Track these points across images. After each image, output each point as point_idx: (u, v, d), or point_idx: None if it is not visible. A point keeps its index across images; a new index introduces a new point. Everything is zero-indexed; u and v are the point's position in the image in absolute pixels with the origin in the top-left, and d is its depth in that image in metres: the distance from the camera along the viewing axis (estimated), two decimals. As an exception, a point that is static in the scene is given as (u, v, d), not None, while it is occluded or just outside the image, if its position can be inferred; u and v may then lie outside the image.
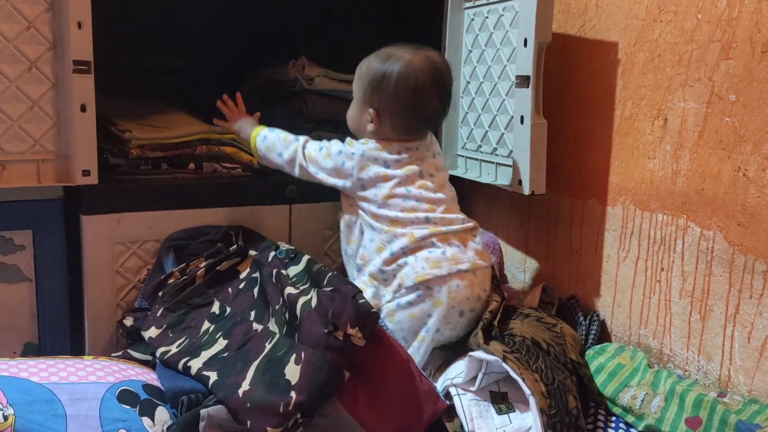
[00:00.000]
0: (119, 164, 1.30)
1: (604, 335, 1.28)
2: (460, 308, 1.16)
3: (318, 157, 1.25)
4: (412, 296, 1.15)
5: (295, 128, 1.51)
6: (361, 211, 1.23)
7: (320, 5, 1.70)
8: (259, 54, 1.71)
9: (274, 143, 1.29)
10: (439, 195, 1.22)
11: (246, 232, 1.34)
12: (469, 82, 1.44)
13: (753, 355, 1.02)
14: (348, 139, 1.26)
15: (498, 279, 1.24)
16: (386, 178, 1.20)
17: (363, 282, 1.22)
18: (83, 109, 1.17)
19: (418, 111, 1.22)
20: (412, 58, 1.21)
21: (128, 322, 1.23)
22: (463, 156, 1.49)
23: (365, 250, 1.22)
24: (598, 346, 1.20)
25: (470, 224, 1.23)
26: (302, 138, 1.29)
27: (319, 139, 1.49)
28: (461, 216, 1.23)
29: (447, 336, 1.18)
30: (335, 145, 1.25)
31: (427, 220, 1.19)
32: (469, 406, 1.02)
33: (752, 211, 1.02)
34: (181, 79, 1.72)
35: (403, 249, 1.17)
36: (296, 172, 1.28)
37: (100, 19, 1.17)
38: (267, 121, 1.42)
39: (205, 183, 1.36)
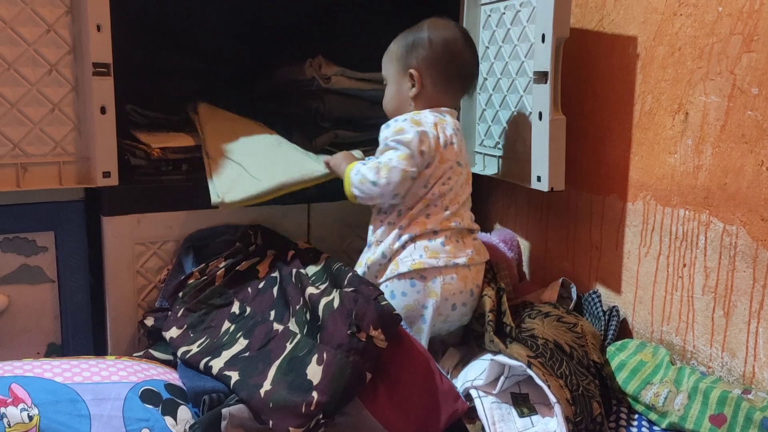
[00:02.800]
0: (140, 165, 1.31)
1: (625, 332, 1.27)
2: (453, 301, 1.16)
3: (403, 152, 1.15)
4: (406, 285, 1.15)
5: (312, 127, 1.52)
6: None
7: (337, 4, 1.70)
8: (275, 53, 1.72)
9: (364, 173, 1.17)
10: (465, 189, 1.23)
11: (264, 232, 1.34)
12: (486, 79, 1.44)
13: (778, 352, 1.01)
14: (409, 117, 1.19)
15: (494, 272, 1.24)
16: (443, 160, 1.18)
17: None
18: (103, 111, 1.18)
19: (455, 61, 1.23)
20: (434, 20, 1.26)
21: (149, 322, 1.24)
22: (481, 153, 1.48)
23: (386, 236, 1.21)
24: (619, 343, 1.19)
25: (475, 226, 1.23)
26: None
27: (335, 137, 1.49)
28: (470, 215, 1.23)
29: (438, 328, 1.19)
30: (403, 131, 1.16)
31: (446, 210, 1.18)
32: (490, 409, 1.01)
33: (776, 206, 1.01)
34: (197, 80, 1.72)
35: (411, 236, 1.17)
36: (395, 180, 1.15)
37: (118, 22, 1.18)
38: (284, 121, 1.43)
39: (223, 183, 1.37)
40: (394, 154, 1.16)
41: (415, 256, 1.16)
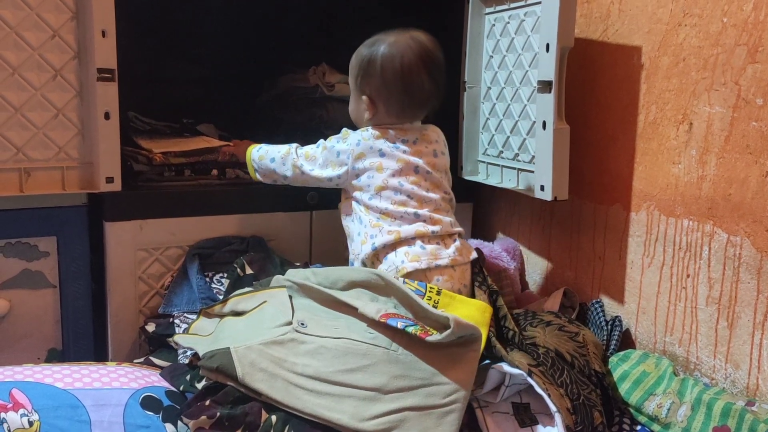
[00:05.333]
0: (143, 171, 1.31)
1: (628, 342, 1.27)
2: None
3: (313, 152, 1.25)
4: None
5: (316, 135, 1.52)
6: (354, 204, 1.23)
7: (339, 13, 1.71)
8: (279, 61, 1.72)
9: (267, 150, 1.28)
10: (431, 195, 1.21)
11: (259, 261, 1.30)
12: (490, 88, 1.44)
13: (782, 364, 1.01)
14: (344, 129, 1.26)
15: (484, 274, 1.22)
16: (380, 169, 1.20)
17: None
18: (107, 116, 1.18)
19: (408, 90, 1.21)
20: (396, 39, 1.21)
21: (150, 328, 1.23)
22: (484, 162, 1.48)
23: (354, 243, 1.23)
24: (622, 353, 1.18)
25: (457, 229, 1.22)
26: (295, 144, 1.28)
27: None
28: (450, 219, 1.22)
29: None
30: (331, 139, 1.25)
31: (417, 216, 1.18)
32: (491, 419, 1.00)
33: (781, 217, 1.00)
34: (201, 87, 1.73)
35: (385, 245, 1.17)
36: (289, 172, 1.26)
37: (122, 29, 1.19)
38: (287, 128, 1.43)
39: (226, 189, 1.37)
40: (311, 147, 1.26)
41: (397, 262, 1.15)
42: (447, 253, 1.17)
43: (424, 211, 1.19)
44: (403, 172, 1.20)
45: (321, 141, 1.26)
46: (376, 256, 1.18)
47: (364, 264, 1.20)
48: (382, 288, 1.07)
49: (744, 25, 1.05)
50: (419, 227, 1.17)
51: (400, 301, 1.05)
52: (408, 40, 1.21)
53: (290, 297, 1.09)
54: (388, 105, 1.23)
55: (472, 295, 1.18)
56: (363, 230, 1.20)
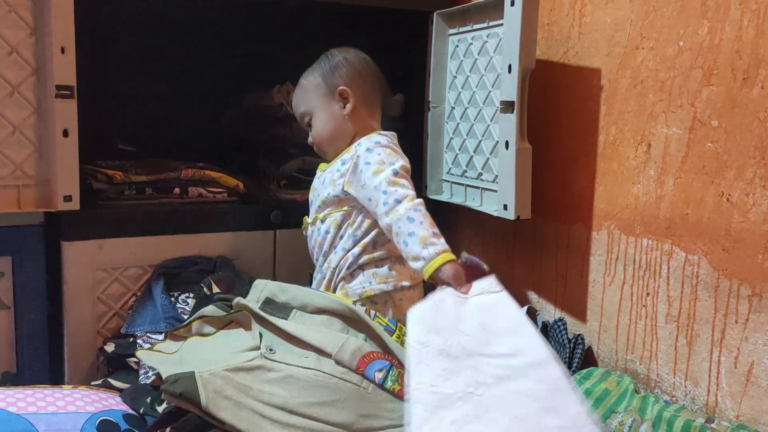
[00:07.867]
0: (103, 189, 1.29)
1: (590, 360, 1.28)
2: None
3: (405, 187, 1.15)
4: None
5: (279, 153, 1.51)
6: (359, 217, 1.20)
7: (305, 32, 1.71)
8: (243, 79, 1.71)
9: (420, 225, 1.11)
10: None
11: (226, 280, 1.29)
12: (453, 108, 1.45)
13: (740, 380, 1.02)
14: (372, 149, 1.19)
15: None
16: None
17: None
18: (65, 134, 1.16)
19: (376, 75, 1.28)
20: (339, 48, 1.30)
21: (109, 348, 1.21)
22: (448, 181, 1.49)
23: (335, 255, 1.22)
24: (584, 371, 1.19)
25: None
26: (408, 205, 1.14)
27: (303, 163, 1.49)
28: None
29: None
30: (384, 164, 1.17)
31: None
32: None
33: (736, 236, 1.02)
34: (164, 105, 1.71)
35: (360, 263, 1.19)
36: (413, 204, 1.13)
37: (84, 45, 1.17)
38: (250, 147, 1.42)
39: (188, 209, 1.35)
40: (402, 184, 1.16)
41: (365, 283, 1.18)
42: (410, 273, 1.20)
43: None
44: None
45: (388, 175, 1.14)
46: (351, 274, 1.20)
47: (332, 276, 1.20)
48: (352, 321, 1.06)
49: (699, 48, 1.07)
50: (394, 248, 1.17)
51: (369, 336, 1.04)
52: (349, 47, 1.29)
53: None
54: (365, 89, 1.26)
55: None
56: (350, 246, 1.20)
